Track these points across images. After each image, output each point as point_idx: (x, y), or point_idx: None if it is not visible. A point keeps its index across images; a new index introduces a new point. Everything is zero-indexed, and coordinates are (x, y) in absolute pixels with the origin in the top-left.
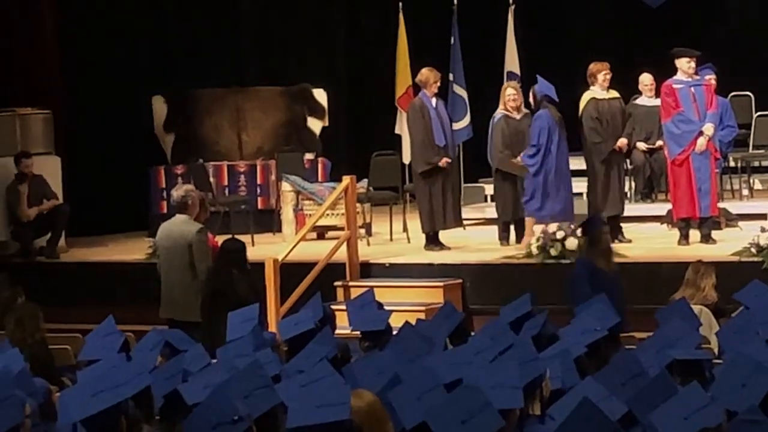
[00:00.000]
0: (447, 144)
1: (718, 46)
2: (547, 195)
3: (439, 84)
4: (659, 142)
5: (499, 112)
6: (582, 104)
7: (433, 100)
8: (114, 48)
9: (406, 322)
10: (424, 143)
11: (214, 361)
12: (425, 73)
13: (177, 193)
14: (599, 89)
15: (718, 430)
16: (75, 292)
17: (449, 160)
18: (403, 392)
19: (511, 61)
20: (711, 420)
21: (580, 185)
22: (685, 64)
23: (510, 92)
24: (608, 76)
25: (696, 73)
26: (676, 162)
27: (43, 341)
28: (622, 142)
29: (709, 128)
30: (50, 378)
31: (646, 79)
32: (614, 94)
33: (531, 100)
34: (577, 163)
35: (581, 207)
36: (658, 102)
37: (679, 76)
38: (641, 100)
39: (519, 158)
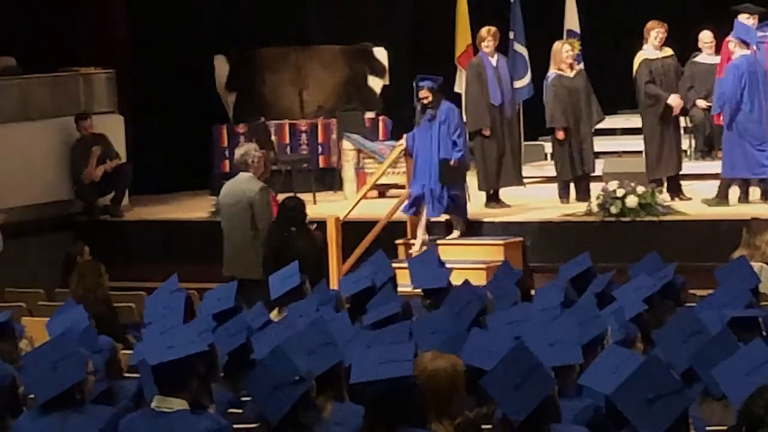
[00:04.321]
0: (503, 102)
1: None
2: None
3: (492, 41)
4: None
5: (552, 72)
6: (635, 65)
7: (494, 59)
8: (177, 7)
9: (466, 281)
10: (476, 104)
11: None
12: (480, 32)
13: (239, 151)
14: (651, 48)
15: None
16: (138, 250)
17: (488, 132)
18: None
19: (571, 19)
20: None
21: (637, 144)
22: (746, 21)
23: (566, 49)
24: (661, 35)
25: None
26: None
27: (107, 299)
28: (674, 100)
29: None
30: (115, 335)
31: (705, 37)
32: (668, 52)
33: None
34: (634, 121)
35: (640, 166)
36: (718, 59)
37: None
38: (701, 58)
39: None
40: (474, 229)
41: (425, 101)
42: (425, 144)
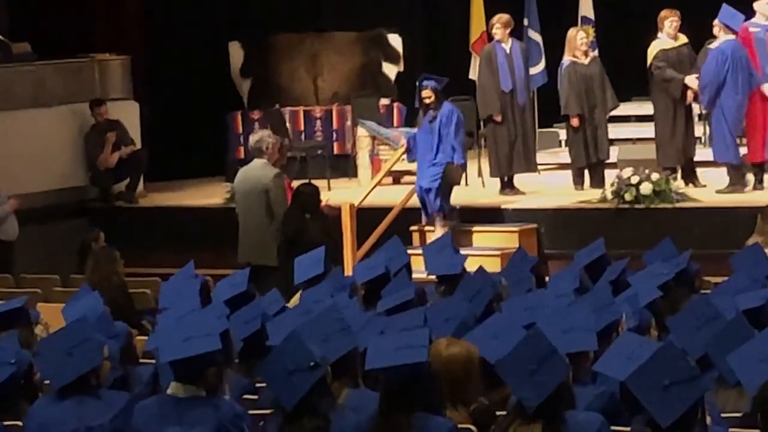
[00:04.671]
0: (514, 89)
1: None
2: None
3: (501, 28)
4: None
5: (567, 59)
6: (650, 54)
7: (506, 45)
8: None
9: (480, 267)
10: (487, 91)
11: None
12: (492, 19)
13: (253, 138)
14: (666, 37)
15: None
16: (153, 236)
17: (499, 119)
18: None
19: (586, 6)
20: None
21: (651, 131)
22: (763, 6)
23: (581, 36)
24: (675, 24)
25: None
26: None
27: (123, 285)
28: (691, 81)
29: None
30: (130, 321)
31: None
32: (683, 40)
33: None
34: (648, 108)
35: (654, 153)
36: None
37: (756, 19)
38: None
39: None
40: (489, 216)
41: (427, 101)
42: (426, 145)
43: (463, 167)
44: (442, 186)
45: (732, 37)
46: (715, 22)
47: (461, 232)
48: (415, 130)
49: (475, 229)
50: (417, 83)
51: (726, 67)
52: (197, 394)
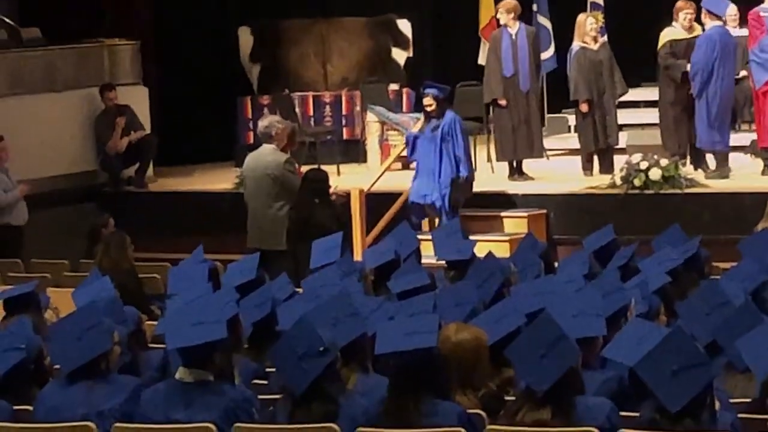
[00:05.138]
0: (516, 74)
1: None
2: None
3: (505, 14)
4: (743, 72)
5: (576, 45)
6: (660, 41)
7: (513, 30)
8: None
9: (489, 253)
10: (489, 76)
11: (299, 290)
12: (498, 4)
13: (262, 123)
14: (680, 28)
15: None
16: (163, 221)
17: (504, 103)
18: (485, 321)
19: None
20: None
21: (656, 116)
22: None
23: (590, 22)
24: (689, 16)
25: None
26: (761, 90)
27: (132, 270)
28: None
29: None
30: (140, 306)
31: (730, 10)
32: (697, 32)
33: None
34: (655, 93)
35: (659, 138)
36: (741, 32)
37: (767, 3)
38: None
39: None
40: (498, 201)
41: (428, 109)
42: (428, 155)
43: (468, 179)
44: (451, 203)
45: (719, 23)
46: (702, 4)
47: (470, 218)
48: (419, 115)
49: (484, 214)
50: (421, 90)
51: (715, 54)
52: (205, 378)
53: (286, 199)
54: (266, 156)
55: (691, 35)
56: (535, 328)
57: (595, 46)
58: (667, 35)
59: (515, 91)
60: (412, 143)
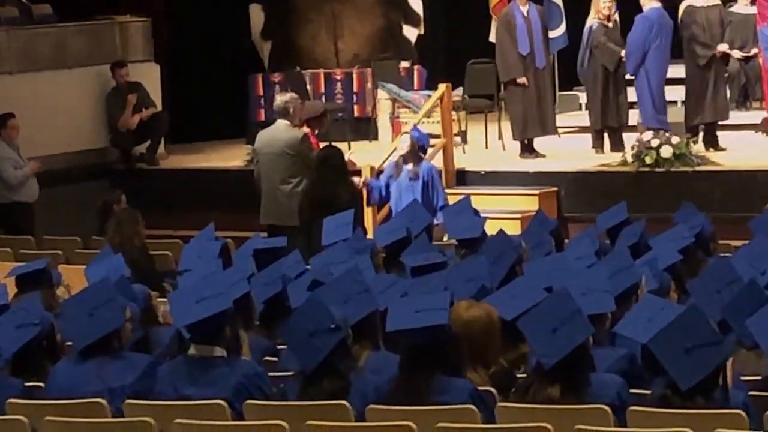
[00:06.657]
0: (533, 51)
1: None
2: None
3: None
4: (754, 50)
5: (595, 21)
6: (680, 11)
7: (524, 8)
8: None
9: (500, 230)
10: (506, 54)
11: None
12: None
13: (281, 98)
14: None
15: None
16: (174, 198)
17: (524, 81)
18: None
19: None
20: None
21: (672, 94)
22: None
23: (604, 1)
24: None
25: None
26: None
27: (144, 247)
28: (723, 47)
29: None
30: (151, 283)
31: None
32: (714, 1)
33: None
34: (669, 71)
35: (674, 116)
36: (753, 10)
37: None
38: (736, 8)
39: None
40: (509, 178)
41: (404, 150)
42: (406, 202)
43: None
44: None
45: (657, 5)
46: None
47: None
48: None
49: (495, 191)
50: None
51: (652, 34)
52: (216, 354)
53: (302, 175)
54: (282, 133)
55: (708, 4)
56: (550, 301)
57: (609, 25)
58: (685, 3)
59: (531, 68)
60: (385, 186)
